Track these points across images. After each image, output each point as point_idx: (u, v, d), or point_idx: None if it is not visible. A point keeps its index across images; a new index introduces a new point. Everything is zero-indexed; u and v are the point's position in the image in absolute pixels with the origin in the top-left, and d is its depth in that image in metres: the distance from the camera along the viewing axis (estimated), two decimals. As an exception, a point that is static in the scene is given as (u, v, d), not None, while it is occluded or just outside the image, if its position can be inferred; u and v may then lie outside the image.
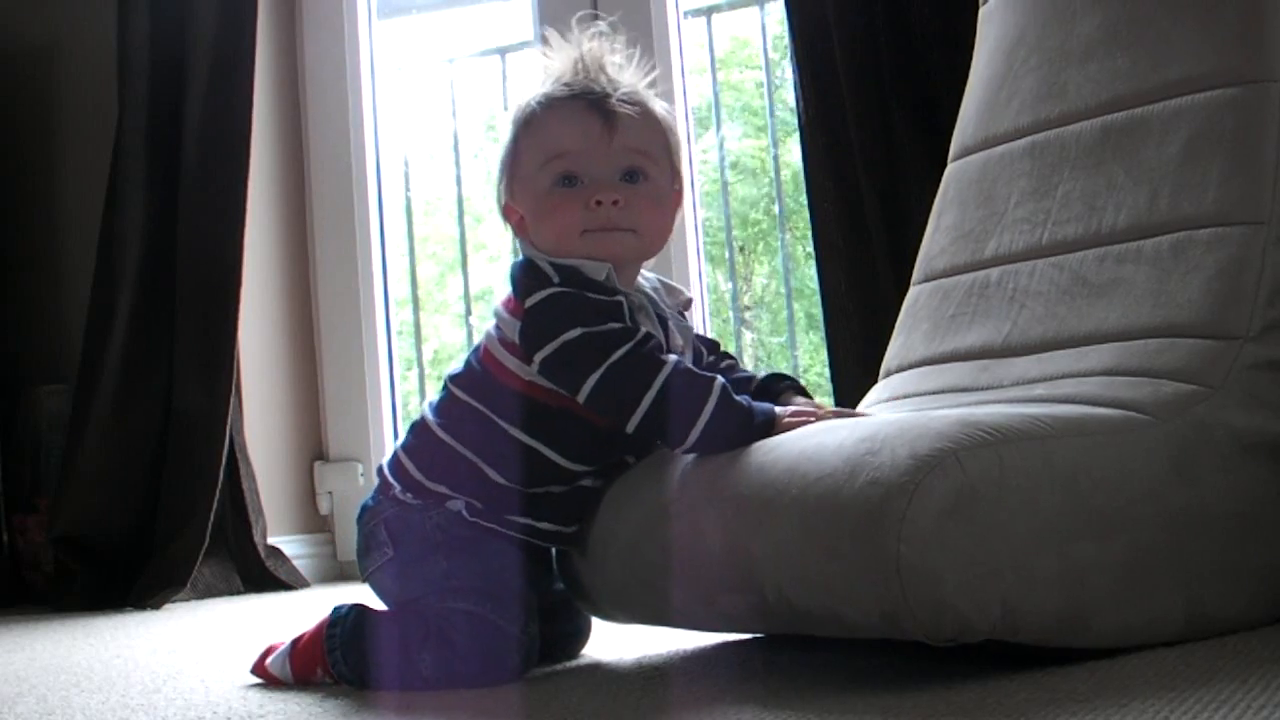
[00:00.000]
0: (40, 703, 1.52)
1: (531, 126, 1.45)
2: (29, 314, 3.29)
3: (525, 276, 1.42)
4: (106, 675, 1.71)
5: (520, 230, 1.48)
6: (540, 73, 1.50)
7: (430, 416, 1.50)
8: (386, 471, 1.51)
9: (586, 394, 1.36)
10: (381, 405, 3.18)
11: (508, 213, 1.49)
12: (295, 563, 2.97)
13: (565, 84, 1.46)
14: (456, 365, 1.51)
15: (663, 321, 1.48)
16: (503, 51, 3.29)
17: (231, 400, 2.89)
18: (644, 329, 1.39)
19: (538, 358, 1.38)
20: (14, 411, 3.17)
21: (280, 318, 3.18)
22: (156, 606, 2.69)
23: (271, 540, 2.97)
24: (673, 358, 1.37)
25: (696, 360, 1.52)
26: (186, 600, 2.76)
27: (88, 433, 2.93)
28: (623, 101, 1.44)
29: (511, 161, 1.47)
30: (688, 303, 1.55)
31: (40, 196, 3.31)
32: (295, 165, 3.25)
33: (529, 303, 1.39)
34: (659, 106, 1.49)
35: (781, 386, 1.50)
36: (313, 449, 3.22)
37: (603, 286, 1.40)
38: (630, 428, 1.36)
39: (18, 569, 3.06)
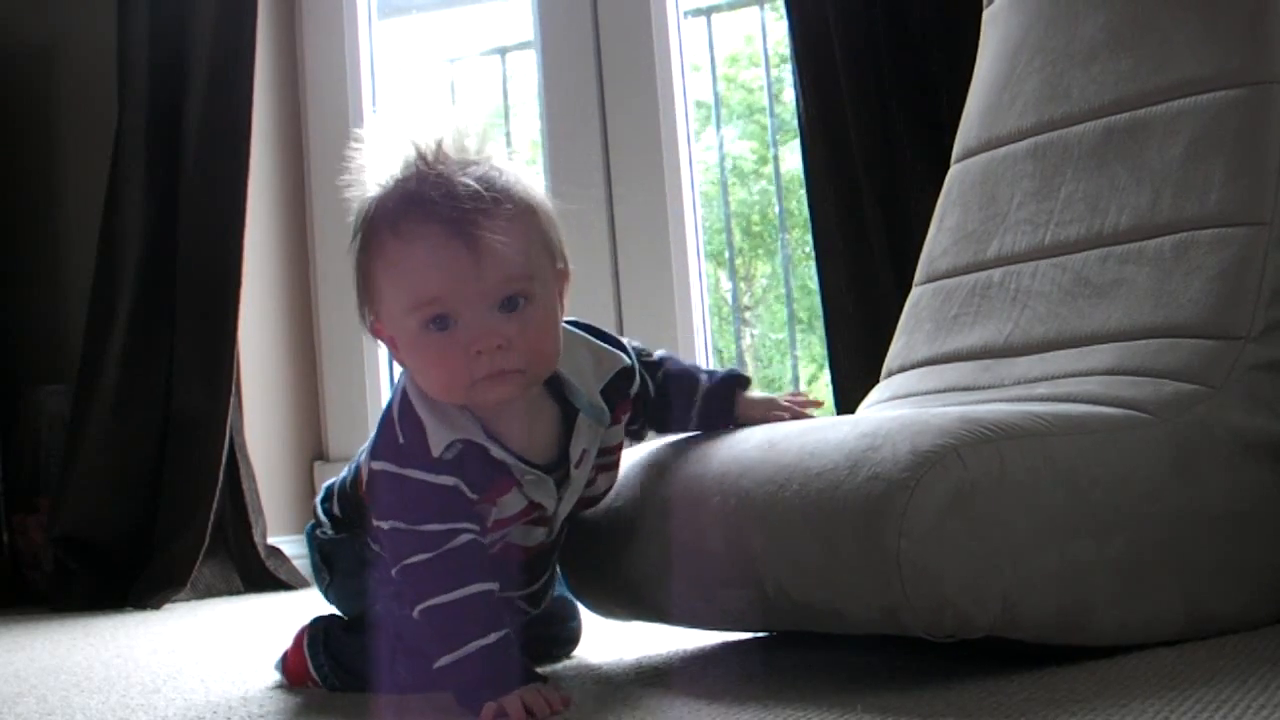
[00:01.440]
0: (40, 703, 1.52)
1: (386, 259, 1.25)
2: (29, 314, 3.29)
3: (380, 433, 1.30)
4: (106, 675, 1.71)
5: (395, 350, 1.30)
6: (369, 161, 1.31)
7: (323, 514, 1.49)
8: (318, 509, 1.49)
9: (396, 575, 1.26)
10: (381, 405, 3.17)
11: (377, 332, 1.31)
12: (295, 563, 2.97)
13: (407, 191, 1.25)
14: (337, 478, 1.48)
15: (568, 424, 1.33)
16: (503, 51, 3.29)
17: (231, 400, 2.89)
18: (462, 536, 1.24)
19: (372, 521, 1.31)
20: (14, 411, 3.17)
21: (280, 318, 3.18)
22: (156, 606, 2.68)
23: (271, 540, 2.97)
24: (478, 588, 1.23)
25: (642, 398, 1.41)
26: (186, 600, 2.76)
27: (88, 433, 2.93)
28: (482, 210, 1.21)
29: (368, 287, 1.29)
30: (625, 371, 1.37)
31: (40, 196, 3.31)
32: (295, 165, 3.25)
33: (371, 467, 1.30)
34: (522, 189, 1.27)
35: (731, 390, 1.45)
36: (313, 449, 3.22)
37: (441, 465, 1.26)
38: (415, 615, 1.25)
39: (18, 569, 3.06)
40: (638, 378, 1.39)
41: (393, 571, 1.26)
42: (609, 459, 1.40)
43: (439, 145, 1.27)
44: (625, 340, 1.41)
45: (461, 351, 1.22)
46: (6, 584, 3.03)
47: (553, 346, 1.27)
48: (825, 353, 2.54)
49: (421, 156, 1.26)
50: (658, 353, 1.46)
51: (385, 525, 1.26)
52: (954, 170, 1.85)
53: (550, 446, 1.32)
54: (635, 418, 1.42)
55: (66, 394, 3.08)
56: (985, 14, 1.93)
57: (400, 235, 1.24)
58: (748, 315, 3.50)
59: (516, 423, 1.29)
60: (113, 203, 3.01)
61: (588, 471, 1.36)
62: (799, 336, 3.17)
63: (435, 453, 1.25)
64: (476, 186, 1.22)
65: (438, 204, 1.22)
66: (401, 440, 1.27)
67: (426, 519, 1.24)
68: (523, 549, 1.36)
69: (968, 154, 1.82)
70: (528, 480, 1.30)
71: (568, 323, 1.33)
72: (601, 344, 1.36)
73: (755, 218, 3.42)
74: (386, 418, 1.30)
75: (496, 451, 1.27)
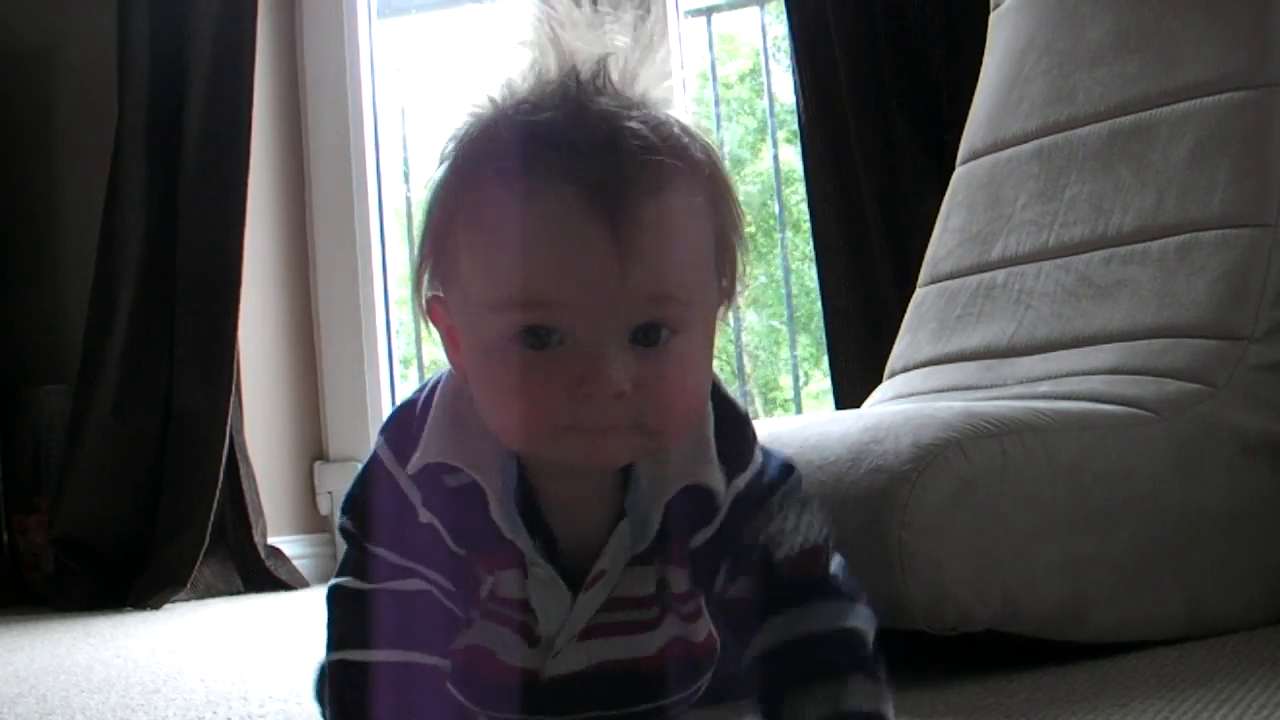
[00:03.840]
0: (40, 703, 1.52)
1: (480, 219, 0.80)
2: (29, 314, 3.29)
3: (396, 411, 0.91)
4: (106, 675, 1.71)
5: (451, 345, 0.86)
6: (490, 63, 0.86)
7: None
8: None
9: (326, 594, 0.91)
10: (381, 405, 3.18)
11: (433, 315, 0.86)
12: (295, 563, 2.97)
13: (541, 122, 0.79)
14: None
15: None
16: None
17: (231, 400, 2.89)
18: (413, 582, 0.87)
19: None
20: (14, 411, 3.17)
21: (280, 318, 3.18)
22: (156, 606, 2.68)
23: (271, 540, 2.97)
24: (414, 659, 0.87)
25: (712, 558, 0.90)
26: (186, 600, 2.76)
27: (88, 433, 2.93)
28: (652, 176, 0.78)
29: (440, 249, 0.83)
30: (705, 496, 0.87)
31: (40, 196, 3.31)
32: (295, 165, 3.25)
33: (343, 509, 0.91)
34: (704, 151, 0.82)
35: None
36: (313, 449, 3.22)
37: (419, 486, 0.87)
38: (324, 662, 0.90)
39: (18, 569, 3.06)
40: (719, 522, 0.88)
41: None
42: (643, 613, 0.88)
43: (603, 65, 0.81)
44: (763, 453, 0.91)
45: (562, 386, 0.78)
46: (6, 584, 3.03)
47: (695, 405, 0.83)
48: (825, 352, 2.54)
49: (574, 75, 0.81)
50: (811, 530, 0.90)
51: (341, 519, 0.91)
52: (959, 172, 1.85)
53: (591, 542, 0.87)
54: (703, 581, 0.90)
55: (66, 394, 3.08)
56: (992, 16, 1.93)
57: (512, 187, 0.78)
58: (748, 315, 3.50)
59: (575, 488, 0.86)
60: (113, 203, 3.01)
61: (599, 600, 0.87)
62: (799, 337, 3.17)
63: (408, 469, 0.86)
64: (650, 135, 0.78)
65: (584, 153, 0.77)
66: (412, 429, 0.88)
67: (380, 537, 0.89)
68: (506, 666, 0.90)
69: (973, 155, 1.83)
70: (535, 572, 0.86)
71: None
72: (709, 437, 0.87)
73: (750, 217, 3.42)
74: (409, 402, 0.90)
75: (502, 514, 0.85)
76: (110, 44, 3.08)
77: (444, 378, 0.89)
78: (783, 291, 3.12)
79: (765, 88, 3.16)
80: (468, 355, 0.83)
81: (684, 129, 0.81)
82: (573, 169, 0.77)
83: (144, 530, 2.88)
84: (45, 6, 3.31)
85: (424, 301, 0.86)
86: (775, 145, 3.11)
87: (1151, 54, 1.60)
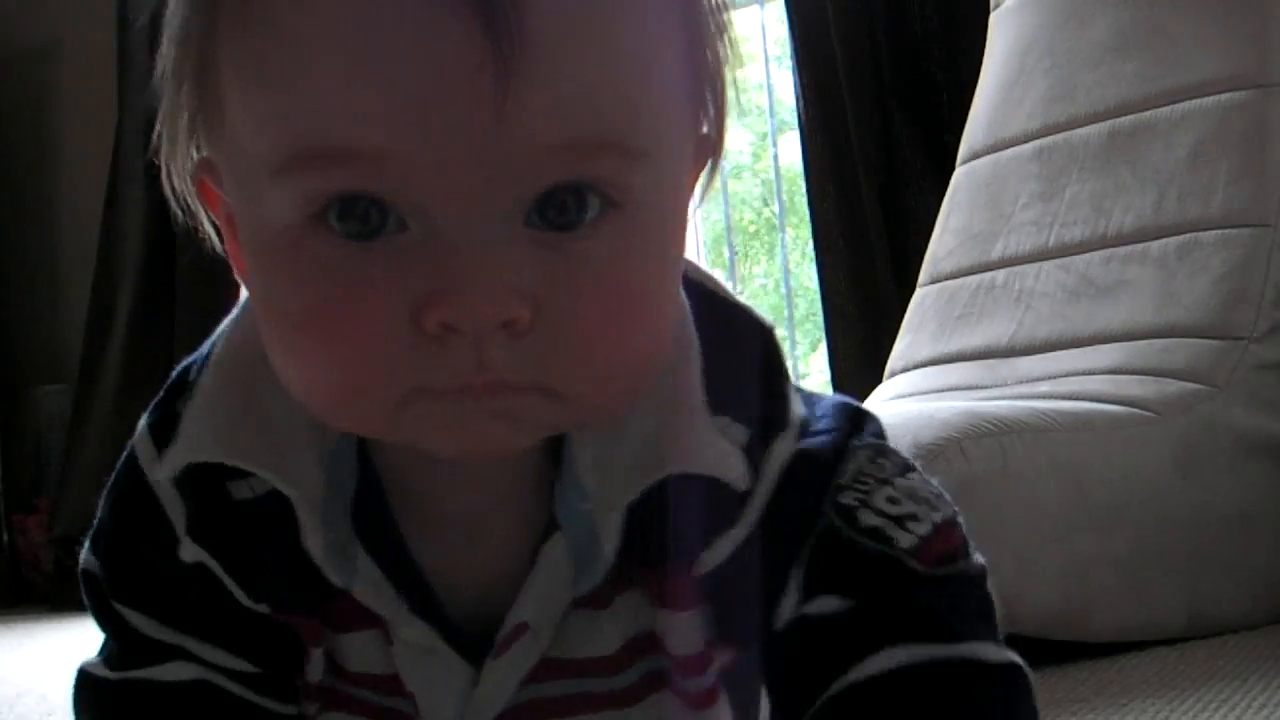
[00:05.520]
0: (40, 702, 1.52)
1: (254, 13, 0.43)
2: (29, 314, 3.29)
3: (116, 479, 0.61)
4: (107, 675, 1.71)
5: (232, 244, 0.52)
6: None
7: None
8: None
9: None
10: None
11: (203, 192, 0.52)
12: (295, 563, 2.97)
13: None
14: None
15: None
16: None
17: (231, 400, 2.89)
18: (171, 667, 0.56)
19: None
20: (14, 411, 3.17)
21: (280, 318, 3.18)
22: (156, 606, 2.68)
23: (271, 540, 2.97)
24: None
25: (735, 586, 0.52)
26: (186, 600, 2.76)
27: (88, 433, 2.93)
28: None
29: (199, 81, 0.49)
30: (714, 490, 0.50)
31: (40, 196, 3.31)
32: (295, 165, 3.25)
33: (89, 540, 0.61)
34: None
35: None
36: (313, 449, 3.22)
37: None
38: None
39: (18, 569, 3.06)
40: (753, 519, 0.51)
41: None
42: (602, 682, 0.55)
43: None
44: (802, 395, 0.54)
45: (399, 308, 0.43)
46: (6, 584, 3.03)
47: (647, 340, 0.46)
48: (825, 352, 2.54)
49: None
50: (931, 501, 0.55)
51: (84, 556, 0.61)
52: (960, 172, 1.85)
53: (499, 579, 0.52)
54: (739, 623, 0.53)
55: (66, 394, 3.08)
56: (993, 16, 1.93)
57: None
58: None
59: (460, 489, 0.51)
60: (113, 202, 3.01)
61: (520, 671, 0.53)
62: (799, 337, 3.17)
63: (159, 471, 0.55)
64: None
65: None
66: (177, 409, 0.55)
67: (124, 589, 0.58)
68: None
69: (974, 155, 1.83)
70: (404, 635, 0.53)
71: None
72: (693, 382, 0.51)
73: (750, 216, 3.43)
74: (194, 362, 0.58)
75: (323, 545, 0.51)
76: (110, 44, 3.08)
77: (236, 315, 0.56)
78: (782, 291, 3.12)
79: (766, 87, 3.16)
80: (246, 259, 0.48)
81: None
82: None
83: (144, 530, 2.88)
84: (45, 6, 3.31)
85: (189, 175, 0.51)
86: (775, 145, 3.11)
87: (1151, 54, 1.60)
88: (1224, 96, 1.52)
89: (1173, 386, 1.37)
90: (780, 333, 0.61)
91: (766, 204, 3.39)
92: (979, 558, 0.58)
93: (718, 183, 0.52)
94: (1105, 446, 1.28)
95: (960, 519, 0.56)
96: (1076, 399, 1.38)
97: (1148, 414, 1.33)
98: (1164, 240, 1.50)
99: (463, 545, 0.52)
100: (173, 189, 0.51)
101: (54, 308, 3.26)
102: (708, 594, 0.51)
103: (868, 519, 0.51)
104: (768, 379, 0.52)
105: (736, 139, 3.46)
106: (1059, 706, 1.04)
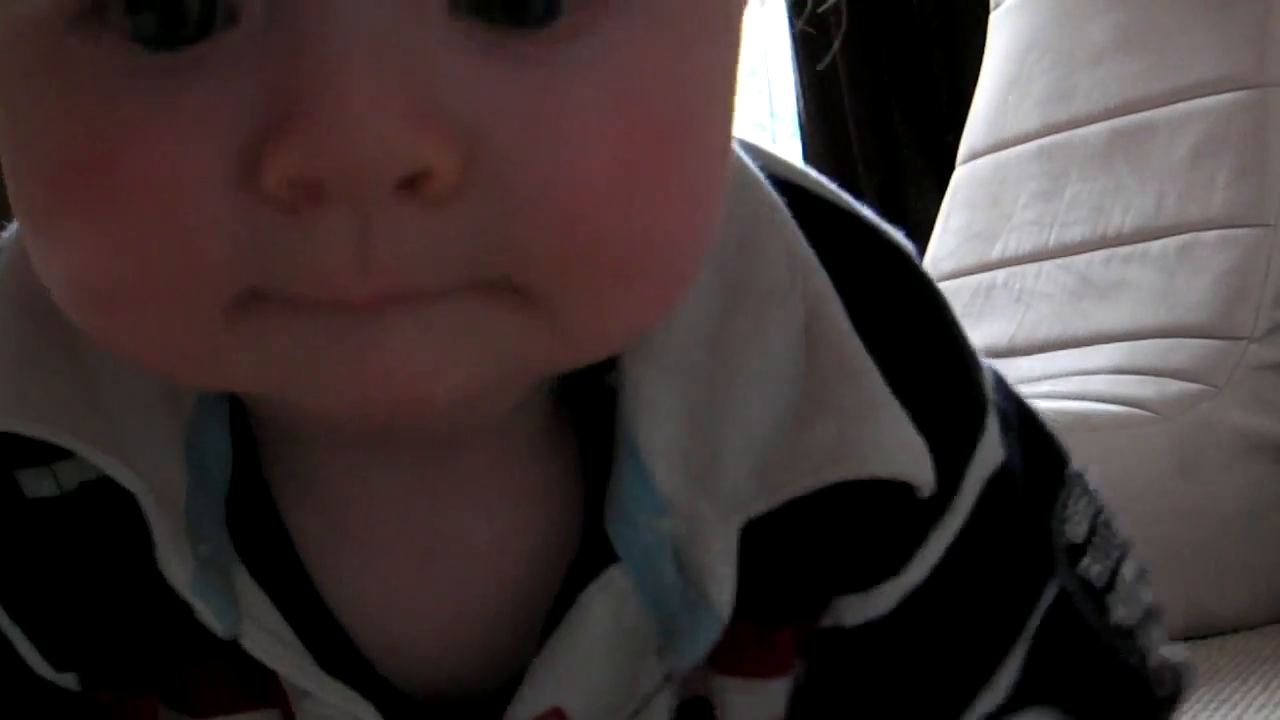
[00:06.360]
0: None
1: None
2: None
3: None
4: (106, 673, 1.70)
5: None
6: None
7: None
8: None
9: None
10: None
11: None
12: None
13: None
14: None
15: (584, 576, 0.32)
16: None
17: (231, 399, 2.89)
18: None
19: None
20: (13, 410, 3.17)
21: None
22: (155, 605, 2.68)
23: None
24: None
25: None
26: (185, 599, 2.75)
27: (87, 431, 2.93)
28: None
29: None
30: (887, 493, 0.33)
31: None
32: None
33: None
34: None
35: None
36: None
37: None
38: None
39: (16, 567, 3.06)
40: (941, 551, 0.35)
41: None
42: None
43: None
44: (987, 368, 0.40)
45: (221, 154, 0.23)
46: (5, 582, 3.03)
47: (687, 201, 0.26)
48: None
49: None
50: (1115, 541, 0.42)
51: None
52: (960, 171, 1.85)
53: (494, 634, 0.34)
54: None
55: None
56: (993, 15, 1.93)
57: None
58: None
59: (414, 491, 0.33)
60: None
61: None
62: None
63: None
64: None
65: None
66: None
67: None
68: None
69: (974, 155, 1.83)
70: (311, 710, 0.34)
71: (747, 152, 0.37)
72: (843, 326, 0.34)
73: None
74: None
75: (192, 570, 0.31)
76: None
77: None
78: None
79: (766, 88, 3.16)
80: None
81: None
82: None
83: (143, 529, 2.88)
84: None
85: None
86: (774, 144, 3.11)
87: (1152, 54, 1.61)
88: (1224, 96, 1.52)
89: (1173, 386, 1.37)
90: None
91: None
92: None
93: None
94: (1105, 446, 1.28)
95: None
96: (1076, 399, 1.38)
97: (1148, 414, 1.33)
98: (1164, 240, 1.50)
99: (415, 577, 0.32)
100: None
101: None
102: (831, 657, 0.34)
103: (1120, 610, 0.36)
104: (938, 335, 0.34)
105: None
106: (1059, 706, 1.04)
